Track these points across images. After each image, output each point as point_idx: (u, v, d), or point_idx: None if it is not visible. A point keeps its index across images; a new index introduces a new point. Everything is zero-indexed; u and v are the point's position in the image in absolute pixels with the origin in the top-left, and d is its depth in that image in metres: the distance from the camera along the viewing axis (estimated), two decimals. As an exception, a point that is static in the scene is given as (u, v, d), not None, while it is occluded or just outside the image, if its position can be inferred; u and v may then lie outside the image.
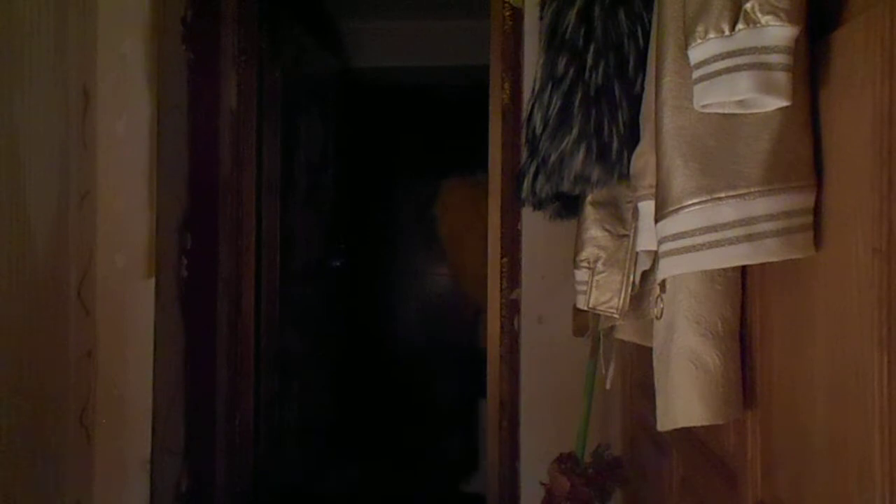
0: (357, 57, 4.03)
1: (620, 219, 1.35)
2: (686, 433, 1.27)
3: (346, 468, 3.86)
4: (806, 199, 0.82)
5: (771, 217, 0.81)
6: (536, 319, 2.22)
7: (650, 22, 1.20)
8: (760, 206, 0.82)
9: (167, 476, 2.21)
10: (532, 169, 1.38)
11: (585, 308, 1.37)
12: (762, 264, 0.94)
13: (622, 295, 1.30)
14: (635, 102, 1.23)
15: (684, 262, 0.87)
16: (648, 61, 1.16)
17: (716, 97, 0.79)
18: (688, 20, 0.81)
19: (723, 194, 0.83)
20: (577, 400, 1.89)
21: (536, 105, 1.38)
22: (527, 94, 1.96)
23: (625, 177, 1.23)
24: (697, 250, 0.85)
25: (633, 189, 1.17)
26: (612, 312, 1.32)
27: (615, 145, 1.25)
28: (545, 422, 2.18)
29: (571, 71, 1.28)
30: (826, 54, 0.80)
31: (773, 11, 0.74)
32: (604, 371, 1.62)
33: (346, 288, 4.16)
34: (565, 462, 1.82)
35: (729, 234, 0.83)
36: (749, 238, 0.82)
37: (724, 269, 0.99)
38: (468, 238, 3.71)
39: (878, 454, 0.69)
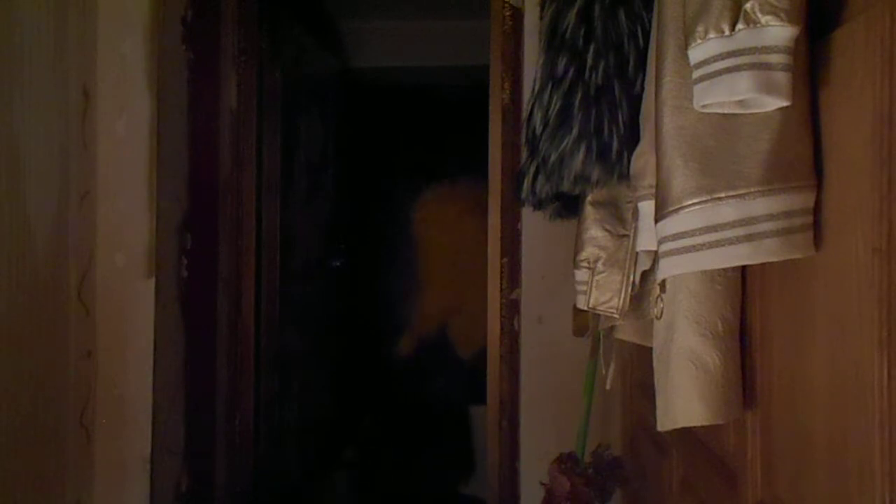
0: (357, 57, 4.03)
1: (620, 219, 1.35)
2: (686, 433, 1.27)
3: (345, 468, 3.86)
4: (806, 199, 0.82)
5: (771, 217, 0.81)
6: (536, 319, 2.22)
7: (650, 22, 1.20)
8: (760, 205, 0.82)
9: (167, 476, 2.21)
10: (532, 169, 1.38)
11: (585, 308, 1.37)
12: (762, 264, 0.94)
13: (622, 295, 1.30)
14: (635, 102, 1.23)
15: (684, 262, 0.87)
16: (648, 61, 1.16)
17: (716, 97, 0.79)
18: (688, 20, 0.81)
19: (723, 194, 0.83)
20: (577, 400, 1.89)
21: (536, 105, 1.38)
22: (527, 94, 1.96)
23: (625, 177, 1.23)
24: (697, 250, 0.85)
25: (633, 189, 1.17)
26: (612, 312, 1.32)
27: (615, 145, 1.25)
28: (545, 422, 2.18)
29: (571, 71, 1.28)
30: (826, 54, 0.80)
31: (773, 11, 0.74)
32: (604, 371, 1.62)
33: (346, 288, 4.16)
34: (565, 462, 1.82)
35: (729, 234, 0.83)
36: (749, 238, 0.82)
37: (724, 269, 0.99)
38: (440, 245, 3.71)
39: (878, 454, 0.69)
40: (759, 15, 0.74)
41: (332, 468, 3.80)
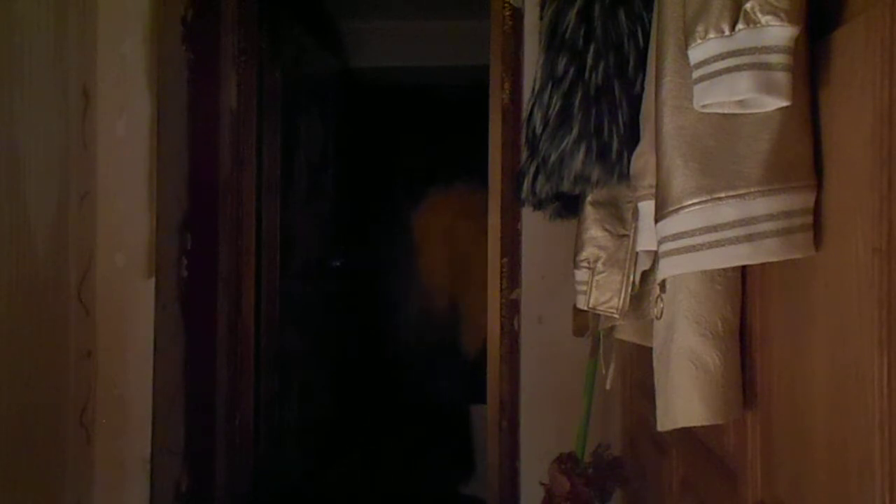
0: (357, 57, 4.03)
1: (620, 219, 1.35)
2: (686, 433, 1.27)
3: (345, 468, 3.86)
4: (806, 199, 0.82)
5: (771, 217, 0.81)
6: (536, 319, 2.22)
7: (650, 22, 1.20)
8: (760, 205, 0.82)
9: (167, 476, 2.21)
10: (532, 169, 1.38)
11: (585, 308, 1.37)
12: (762, 264, 0.94)
13: (622, 295, 1.30)
14: (635, 102, 1.23)
15: (684, 262, 0.87)
16: (648, 61, 1.16)
17: (716, 97, 0.79)
18: (688, 20, 0.81)
19: (723, 194, 0.83)
20: (577, 400, 1.89)
21: (536, 105, 1.38)
22: (527, 94, 1.96)
23: (625, 177, 1.23)
24: (697, 250, 0.85)
25: (633, 189, 1.17)
26: (612, 312, 1.32)
27: (615, 145, 1.25)
28: (545, 422, 2.18)
29: (571, 71, 1.28)
30: (826, 54, 0.80)
31: (773, 11, 0.74)
32: (604, 371, 1.62)
33: (346, 288, 4.16)
34: (565, 462, 1.82)
35: (729, 234, 0.83)
36: (749, 238, 0.82)
37: (724, 269, 0.99)
38: (440, 245, 3.71)
39: (878, 454, 0.69)
40: (759, 15, 0.74)
41: (332, 468, 3.80)
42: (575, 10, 1.29)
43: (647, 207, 1.07)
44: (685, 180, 0.86)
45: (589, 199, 1.39)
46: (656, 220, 0.92)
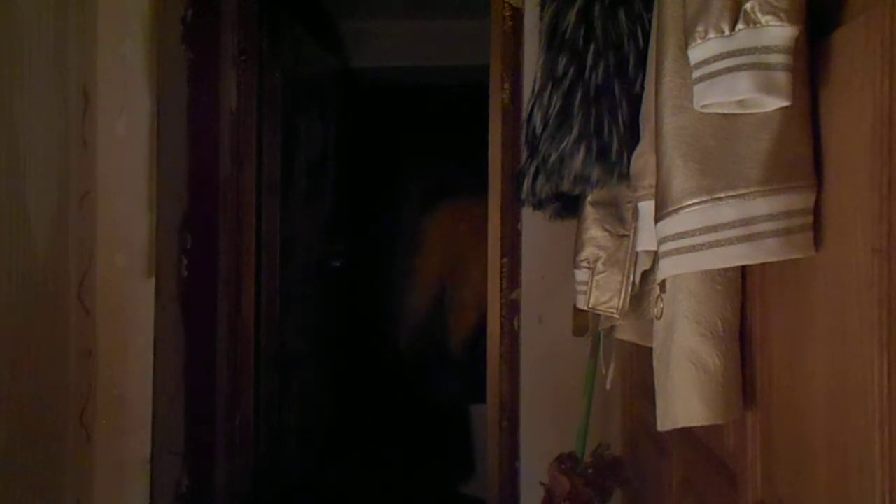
0: (357, 57, 4.02)
1: (620, 219, 1.35)
2: (686, 433, 1.27)
3: (345, 468, 3.87)
4: (806, 199, 0.82)
5: (771, 217, 0.81)
6: (536, 319, 2.22)
7: (650, 22, 1.20)
8: (760, 206, 0.82)
9: (167, 476, 2.21)
10: (532, 169, 1.38)
11: (585, 308, 1.37)
12: (762, 264, 0.94)
13: (622, 295, 1.30)
14: (635, 102, 1.23)
15: (684, 262, 0.87)
16: (648, 61, 1.16)
17: (716, 97, 0.79)
18: (688, 20, 0.81)
19: (723, 194, 0.83)
20: (577, 400, 1.89)
21: (536, 105, 1.38)
22: (527, 94, 1.96)
23: (625, 177, 1.23)
24: (697, 250, 0.85)
25: (633, 189, 1.17)
26: (612, 312, 1.32)
27: (615, 145, 1.25)
28: (545, 422, 2.18)
29: (571, 71, 1.28)
30: (826, 54, 0.80)
31: (773, 11, 0.74)
32: (604, 371, 1.62)
33: (346, 288, 4.16)
34: (565, 462, 1.82)
35: (729, 234, 0.83)
36: (749, 238, 0.82)
37: (725, 270, 0.99)
38: (440, 244, 3.70)
39: (878, 454, 0.69)
40: (759, 15, 0.74)
41: (332, 468, 3.80)
42: (575, 10, 1.29)
43: (647, 207, 1.07)
44: (685, 180, 0.86)
45: (589, 199, 1.39)
46: (656, 220, 0.92)
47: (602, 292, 1.33)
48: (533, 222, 2.17)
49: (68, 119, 2.00)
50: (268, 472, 2.86)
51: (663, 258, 0.91)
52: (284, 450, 3.10)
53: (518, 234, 2.29)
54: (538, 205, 1.50)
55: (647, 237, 1.10)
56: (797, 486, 0.89)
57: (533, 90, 1.44)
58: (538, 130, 1.36)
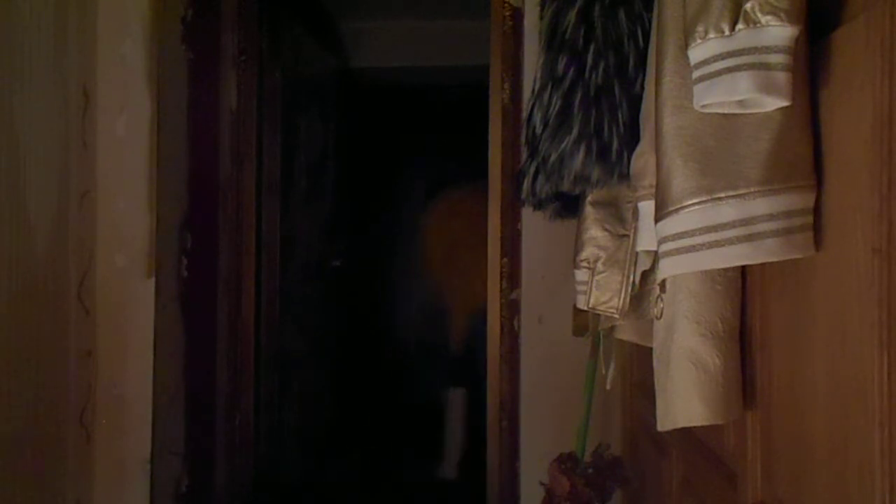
0: (357, 57, 4.02)
1: (620, 219, 1.35)
2: (686, 433, 1.27)
3: (345, 468, 3.87)
4: (806, 199, 0.82)
5: (771, 217, 0.81)
6: (536, 319, 2.21)
7: (650, 22, 1.20)
8: (760, 205, 0.82)
9: (167, 476, 2.21)
10: (532, 169, 1.38)
11: (585, 308, 1.37)
12: (762, 264, 0.94)
13: (622, 295, 1.30)
14: (635, 102, 1.23)
15: (684, 262, 0.87)
16: (648, 61, 1.16)
17: (716, 97, 0.79)
18: (688, 20, 0.81)
19: (723, 194, 0.83)
20: (577, 400, 1.89)
21: (536, 105, 1.38)
22: (527, 94, 1.96)
23: (625, 177, 1.23)
24: (697, 250, 0.85)
25: (633, 189, 1.17)
26: (612, 312, 1.32)
27: (615, 145, 1.25)
28: (545, 422, 2.18)
29: (571, 71, 1.28)
30: (826, 54, 0.80)
31: (773, 11, 0.74)
32: (604, 371, 1.62)
33: (346, 288, 4.16)
34: (565, 462, 1.82)
35: (729, 234, 0.83)
36: (749, 238, 0.82)
37: (725, 270, 0.99)
38: (440, 244, 3.71)
39: (878, 454, 0.69)
40: (759, 15, 0.74)
41: (332, 468, 3.80)
42: (575, 11, 1.29)
43: (647, 207, 1.07)
44: (685, 180, 0.86)
45: (589, 199, 1.39)
46: (656, 220, 0.92)
47: (602, 292, 1.33)
48: (533, 222, 2.16)
49: (68, 119, 2.00)
50: (268, 472, 2.86)
51: (663, 258, 0.91)
52: (284, 450, 3.10)
53: (518, 234, 2.29)
54: (538, 205, 1.50)
55: (647, 237, 1.10)
56: (797, 486, 0.89)
57: (533, 90, 1.44)
58: (538, 130, 1.36)
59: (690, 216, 0.85)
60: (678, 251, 0.87)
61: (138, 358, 2.10)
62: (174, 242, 2.25)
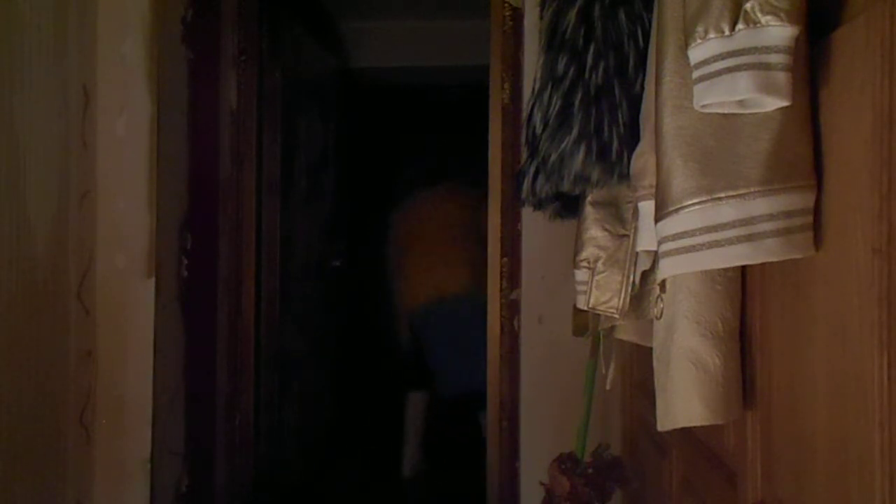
0: (357, 57, 4.02)
1: (620, 219, 1.35)
2: (686, 433, 1.27)
3: (345, 468, 3.87)
4: (806, 199, 0.82)
5: (771, 217, 0.81)
6: (536, 319, 2.21)
7: (650, 22, 1.20)
8: (760, 205, 0.82)
9: (167, 476, 2.21)
10: (532, 169, 1.38)
11: (585, 308, 1.37)
12: (762, 264, 0.94)
13: (622, 295, 1.30)
14: (635, 102, 1.23)
15: (684, 262, 0.87)
16: (648, 61, 1.16)
17: (716, 97, 0.79)
18: (688, 20, 0.81)
19: (723, 194, 0.83)
20: (577, 400, 1.89)
21: (536, 105, 1.38)
22: (527, 94, 1.96)
23: (625, 177, 1.23)
24: (697, 250, 0.85)
25: (633, 189, 1.17)
26: (612, 312, 1.32)
27: (615, 145, 1.25)
28: (545, 422, 2.18)
29: (571, 71, 1.28)
30: (826, 54, 0.80)
31: (774, 11, 0.74)
32: (604, 371, 1.62)
33: (346, 288, 4.16)
34: (565, 462, 1.82)
35: (729, 234, 0.83)
36: (749, 238, 0.82)
37: (724, 270, 0.99)
38: (440, 244, 3.71)
39: (878, 454, 0.69)
40: (759, 15, 0.74)
41: (332, 468, 3.80)
42: (575, 10, 1.29)
43: (647, 207, 1.07)
44: (685, 180, 0.86)
45: (589, 199, 1.39)
46: (656, 220, 0.92)
47: (602, 292, 1.33)
48: (533, 222, 2.16)
49: (68, 119, 2.00)
50: (268, 472, 2.86)
51: (663, 258, 0.91)
52: (284, 450, 3.10)
53: (518, 234, 2.29)
54: (538, 205, 1.50)
55: (647, 237, 1.10)
56: (797, 486, 0.89)
57: (533, 90, 1.44)
58: (538, 130, 1.36)
59: (690, 216, 0.85)
60: (678, 251, 0.87)
61: (138, 358, 2.10)
62: (174, 242, 2.25)
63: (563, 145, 1.28)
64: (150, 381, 2.10)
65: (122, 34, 2.10)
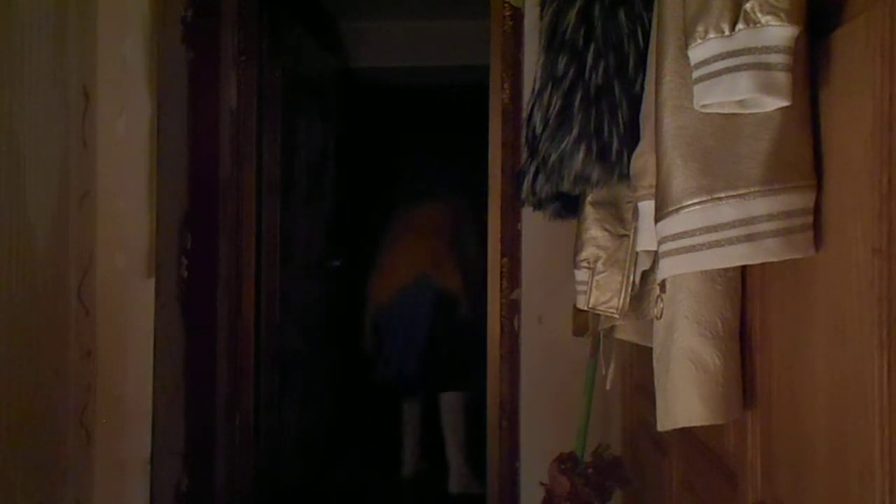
0: (357, 57, 4.02)
1: (620, 219, 1.35)
2: (686, 433, 1.27)
3: (345, 468, 3.87)
4: (806, 199, 0.82)
5: (771, 217, 0.81)
6: (536, 319, 2.22)
7: (650, 22, 1.20)
8: (760, 205, 0.82)
9: (167, 476, 2.21)
10: (532, 169, 1.38)
11: (585, 308, 1.37)
12: (762, 264, 0.94)
13: (622, 295, 1.30)
14: (635, 102, 1.23)
15: (684, 262, 0.87)
16: (648, 61, 1.16)
17: (716, 97, 0.79)
18: (688, 20, 0.81)
19: (723, 194, 0.83)
20: (577, 400, 1.89)
21: (536, 105, 1.38)
22: (527, 94, 1.96)
23: (625, 177, 1.23)
24: (697, 250, 0.85)
25: (633, 189, 1.17)
26: (612, 312, 1.32)
27: (615, 145, 1.25)
28: (545, 422, 2.18)
29: (571, 71, 1.28)
30: (826, 54, 0.80)
31: (773, 11, 0.74)
32: (604, 371, 1.62)
33: (346, 288, 4.16)
34: (565, 462, 1.82)
35: (729, 233, 0.83)
36: (749, 238, 0.82)
37: (725, 269, 0.99)
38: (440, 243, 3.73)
39: (878, 454, 0.69)
40: (759, 15, 0.74)
41: (332, 468, 3.80)
42: (575, 10, 1.29)
43: (647, 207, 1.07)
44: (685, 180, 0.86)
45: (589, 199, 1.39)
46: (656, 220, 0.92)
47: (602, 292, 1.33)
48: (533, 222, 2.16)
49: (68, 119, 2.00)
50: (268, 472, 2.86)
51: (663, 258, 0.91)
52: (284, 450, 3.10)
53: (518, 234, 2.29)
54: (538, 205, 1.50)
55: (647, 237, 1.10)
56: (797, 486, 0.89)
57: (533, 90, 1.44)
58: (538, 130, 1.36)
59: (690, 216, 0.85)
60: (678, 251, 0.87)
61: (138, 358, 2.10)
62: (174, 242, 2.25)
63: (563, 145, 1.28)
64: (149, 381, 2.10)
65: (122, 34, 2.10)
